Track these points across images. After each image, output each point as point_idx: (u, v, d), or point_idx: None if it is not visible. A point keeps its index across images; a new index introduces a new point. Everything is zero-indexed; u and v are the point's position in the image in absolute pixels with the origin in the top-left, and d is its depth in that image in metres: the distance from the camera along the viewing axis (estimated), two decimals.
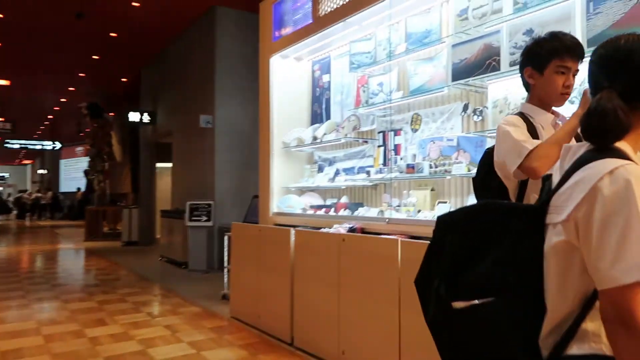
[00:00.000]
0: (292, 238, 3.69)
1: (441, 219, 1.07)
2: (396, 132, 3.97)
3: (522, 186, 1.67)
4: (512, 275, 0.96)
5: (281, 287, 3.80)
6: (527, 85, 1.80)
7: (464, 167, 3.05)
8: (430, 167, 3.33)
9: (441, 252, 1.04)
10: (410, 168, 3.44)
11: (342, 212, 4.02)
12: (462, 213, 1.05)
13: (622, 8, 2.30)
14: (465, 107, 3.35)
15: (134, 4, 7.57)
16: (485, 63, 2.92)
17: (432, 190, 3.55)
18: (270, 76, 4.82)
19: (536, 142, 1.58)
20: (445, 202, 3.41)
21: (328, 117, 4.73)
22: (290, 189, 4.79)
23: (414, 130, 3.79)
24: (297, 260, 3.64)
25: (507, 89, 2.86)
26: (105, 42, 9.46)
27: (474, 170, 3.04)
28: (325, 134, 4.41)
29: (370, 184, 4.07)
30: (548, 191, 1.03)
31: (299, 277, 3.63)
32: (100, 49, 9.99)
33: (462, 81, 3.06)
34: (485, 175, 1.87)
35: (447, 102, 3.50)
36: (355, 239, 3.13)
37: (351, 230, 3.53)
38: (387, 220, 3.39)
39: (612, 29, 2.32)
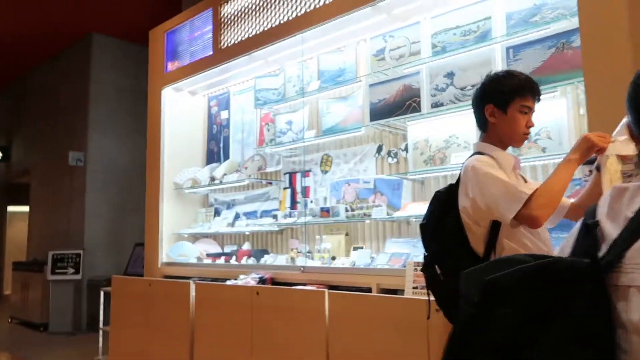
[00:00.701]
0: (193, 292, 3.21)
1: (487, 286, 0.83)
2: (304, 174, 3.76)
3: (493, 231, 1.52)
4: (586, 353, 0.75)
5: (178, 351, 3.26)
6: (483, 124, 1.69)
7: (384, 211, 2.91)
8: (347, 210, 3.14)
9: (488, 329, 0.80)
10: (325, 212, 3.23)
11: (245, 261, 3.65)
12: (514, 278, 0.82)
13: (540, 56, 2.38)
14: (380, 149, 3.26)
15: None
16: (405, 104, 2.86)
17: (346, 235, 3.36)
18: (161, 110, 4.36)
19: (532, 186, 1.45)
20: (362, 248, 3.23)
21: (226, 157, 4.38)
22: (182, 235, 4.29)
23: (324, 172, 3.62)
24: (199, 319, 3.16)
25: (428, 130, 2.82)
26: None
27: (396, 214, 2.93)
28: (225, 174, 4.05)
29: (277, 228, 3.77)
30: (594, 240, 0.85)
31: (201, 338, 3.15)
32: None
33: (381, 121, 2.96)
34: (439, 220, 1.70)
35: (360, 143, 3.39)
36: (272, 292, 2.79)
37: (261, 280, 3.18)
38: (301, 268, 3.10)
39: (532, 76, 2.37)
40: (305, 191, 3.74)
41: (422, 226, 1.78)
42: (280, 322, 2.67)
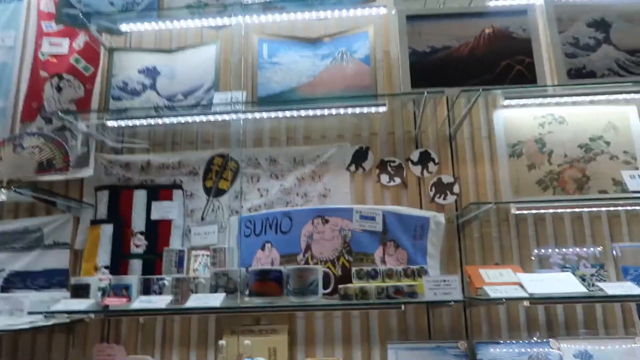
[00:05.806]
0: None
1: None
2: (157, 192, 1.68)
3: None
4: None
5: None
6: None
7: (458, 291, 1.26)
8: (327, 278, 1.34)
9: None
10: (272, 281, 1.32)
11: None
12: None
13: None
14: (362, 155, 1.63)
15: None
16: (499, 64, 1.40)
17: (288, 334, 1.49)
18: None
19: None
20: None
21: None
22: None
23: (213, 192, 1.67)
24: None
25: (546, 122, 1.43)
26: None
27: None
28: None
29: (67, 319, 1.51)
30: None
31: None
32: None
33: (451, 89, 1.39)
34: None
35: (316, 140, 1.67)
36: None
37: None
38: None
39: None
40: (155, 230, 1.65)
41: None
42: None
